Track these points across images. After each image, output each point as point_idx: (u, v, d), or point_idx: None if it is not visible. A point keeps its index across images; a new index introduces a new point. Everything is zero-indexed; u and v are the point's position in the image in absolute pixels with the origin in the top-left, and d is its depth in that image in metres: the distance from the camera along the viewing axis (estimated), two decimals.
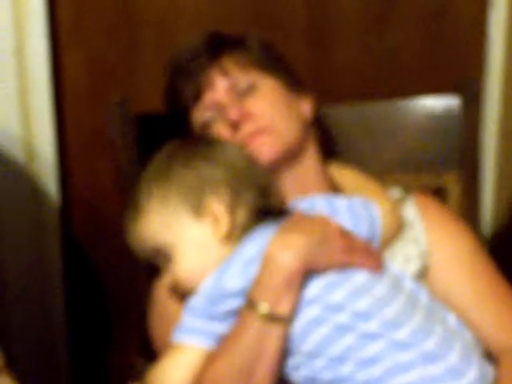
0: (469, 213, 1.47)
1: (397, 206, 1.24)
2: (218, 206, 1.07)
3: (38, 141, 1.76)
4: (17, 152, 1.75)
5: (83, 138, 1.86)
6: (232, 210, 1.07)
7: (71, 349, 1.91)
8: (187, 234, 1.09)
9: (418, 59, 1.94)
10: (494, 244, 1.93)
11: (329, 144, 1.40)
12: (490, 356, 1.13)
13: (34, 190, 1.79)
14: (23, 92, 1.73)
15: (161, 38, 1.82)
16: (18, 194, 1.78)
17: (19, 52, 1.71)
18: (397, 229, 1.22)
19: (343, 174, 1.32)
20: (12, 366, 1.31)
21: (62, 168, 1.83)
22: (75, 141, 1.86)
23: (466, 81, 1.53)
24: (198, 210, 1.08)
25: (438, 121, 1.50)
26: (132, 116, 1.41)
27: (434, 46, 1.93)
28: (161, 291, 1.20)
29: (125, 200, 1.25)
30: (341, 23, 1.90)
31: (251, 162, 1.14)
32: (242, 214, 1.08)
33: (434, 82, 1.86)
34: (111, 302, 1.95)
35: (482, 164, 1.53)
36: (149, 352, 1.24)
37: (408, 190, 1.30)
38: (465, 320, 1.12)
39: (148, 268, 1.24)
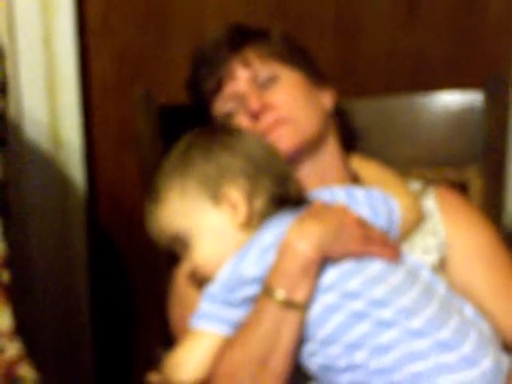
0: (491, 207, 1.46)
1: (417, 199, 1.24)
2: (236, 194, 1.08)
3: (65, 130, 1.78)
4: (44, 142, 1.77)
5: (110, 129, 1.88)
6: (250, 197, 1.09)
7: (96, 337, 1.93)
8: (205, 222, 1.10)
9: (446, 55, 1.93)
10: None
11: (351, 137, 1.41)
12: (508, 348, 1.13)
13: (60, 179, 1.81)
14: (51, 82, 1.75)
15: (189, 30, 1.84)
16: (46, 184, 1.80)
17: (47, 42, 1.73)
18: (416, 222, 1.22)
19: (364, 166, 1.32)
20: (35, 353, 1.34)
21: (89, 158, 1.85)
22: (102, 131, 1.88)
23: (490, 76, 1.52)
24: (216, 197, 1.09)
25: (461, 116, 1.50)
26: (157, 108, 1.42)
27: (463, 42, 1.92)
28: (180, 278, 1.21)
29: (148, 190, 1.26)
30: (369, 18, 1.90)
31: (270, 151, 1.15)
32: (260, 202, 1.09)
33: (462, 78, 1.85)
34: (135, 291, 1.97)
35: (505, 159, 1.52)
36: (169, 340, 1.25)
37: (428, 182, 1.31)
38: (482, 311, 1.12)
39: (169, 256, 1.26)
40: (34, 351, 1.35)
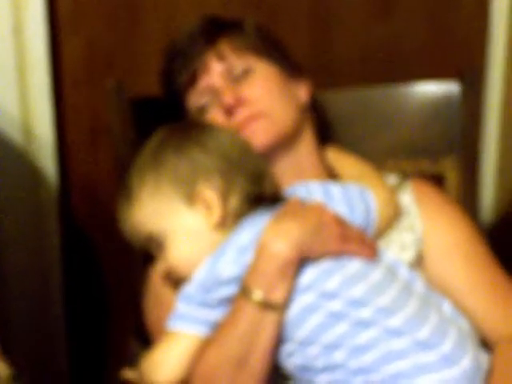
0: (467, 199, 1.46)
1: (393, 194, 1.23)
2: (210, 193, 1.07)
3: (36, 123, 1.76)
4: (16, 134, 1.74)
5: (82, 121, 1.85)
6: (224, 196, 1.07)
7: (70, 331, 1.91)
8: (179, 222, 1.08)
9: (422, 46, 1.93)
10: (494, 231, 1.92)
11: (326, 129, 1.39)
12: (486, 345, 1.13)
13: (32, 171, 1.79)
14: (22, 74, 1.73)
15: (160, 22, 1.81)
16: (17, 176, 1.78)
17: (17, 32, 1.70)
18: (393, 217, 1.21)
19: (340, 159, 1.31)
20: (10, 351, 1.32)
21: (61, 150, 1.83)
22: (74, 123, 1.85)
23: (466, 67, 1.52)
24: (190, 197, 1.07)
25: (437, 107, 1.49)
26: (128, 100, 1.40)
27: (438, 32, 1.92)
28: (155, 278, 1.20)
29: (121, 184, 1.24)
30: (343, 8, 1.89)
31: (244, 148, 1.13)
32: (235, 201, 1.07)
33: (437, 69, 1.85)
34: (110, 284, 1.96)
35: (481, 151, 1.52)
36: (144, 337, 1.24)
37: (405, 176, 1.29)
38: (460, 308, 1.12)
39: (143, 254, 1.24)
40: (7, 347, 1.34)
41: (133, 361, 1.26)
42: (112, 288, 1.94)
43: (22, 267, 1.83)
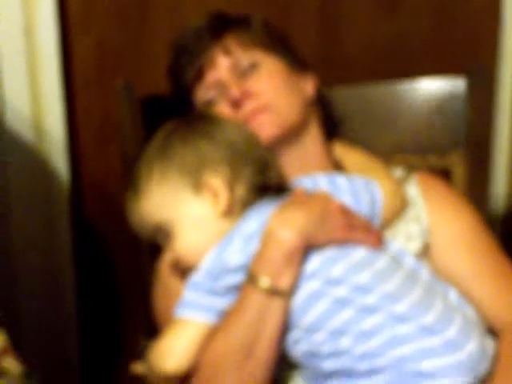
0: (475, 193, 1.46)
1: (400, 185, 1.24)
2: (216, 182, 1.08)
3: (48, 121, 1.77)
4: (27, 132, 1.76)
5: (93, 119, 1.87)
6: (231, 185, 1.08)
7: (81, 327, 1.92)
8: (186, 211, 1.09)
9: (430, 43, 1.93)
10: (506, 222, 1.92)
11: (333, 124, 1.40)
12: (493, 332, 1.13)
13: (44, 169, 1.80)
14: (33, 74, 1.74)
15: (171, 21, 1.83)
16: (29, 175, 1.80)
17: (29, 32, 1.72)
18: (399, 208, 1.22)
19: (347, 153, 1.32)
20: (21, 349, 1.33)
21: (72, 148, 1.84)
22: (85, 122, 1.87)
23: (472, 63, 1.53)
24: (197, 186, 1.08)
25: (444, 102, 1.50)
26: (138, 99, 1.42)
27: (447, 29, 1.92)
28: (163, 269, 1.21)
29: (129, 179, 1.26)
30: (352, 4, 1.89)
31: (250, 138, 1.15)
32: (241, 190, 1.09)
33: (446, 66, 1.85)
34: (121, 280, 1.97)
35: (490, 145, 1.52)
36: (154, 329, 1.25)
37: (411, 169, 1.31)
38: (466, 296, 1.13)
39: (152, 246, 1.25)
40: (18, 343, 1.35)
41: (143, 355, 1.27)
42: (124, 286, 1.95)
43: (34, 266, 1.84)
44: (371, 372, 1.01)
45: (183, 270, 1.12)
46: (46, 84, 1.76)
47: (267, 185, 1.10)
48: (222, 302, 1.05)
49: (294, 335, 1.04)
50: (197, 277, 1.06)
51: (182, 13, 1.82)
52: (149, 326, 1.33)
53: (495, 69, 1.89)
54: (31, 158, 1.79)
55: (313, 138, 1.27)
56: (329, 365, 1.02)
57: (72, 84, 1.83)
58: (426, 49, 1.93)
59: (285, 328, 1.03)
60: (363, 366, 1.00)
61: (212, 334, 1.04)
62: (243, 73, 1.24)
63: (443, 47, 1.93)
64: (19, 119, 1.74)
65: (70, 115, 1.83)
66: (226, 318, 1.04)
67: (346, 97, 1.52)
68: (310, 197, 1.07)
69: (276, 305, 1.01)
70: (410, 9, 1.90)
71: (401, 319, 1.00)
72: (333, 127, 1.39)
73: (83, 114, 1.86)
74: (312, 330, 1.02)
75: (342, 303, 1.01)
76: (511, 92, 1.92)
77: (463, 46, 1.93)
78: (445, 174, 1.46)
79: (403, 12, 1.90)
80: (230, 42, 1.25)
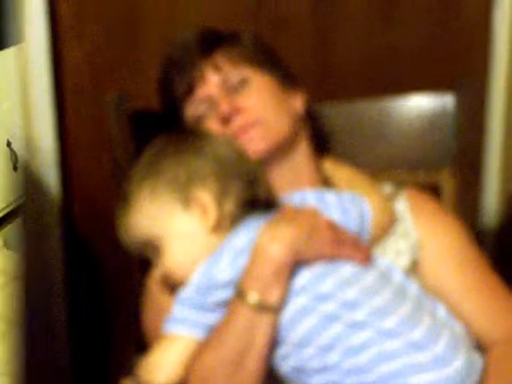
0: (464, 209, 1.47)
1: (389, 201, 1.25)
2: (205, 197, 1.08)
3: (39, 134, 1.78)
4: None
5: (84, 132, 1.88)
6: (220, 200, 1.09)
7: (71, 339, 1.92)
8: (176, 226, 1.10)
9: (423, 57, 1.93)
10: (497, 238, 1.93)
11: (322, 140, 1.41)
12: (481, 349, 1.14)
13: (35, 182, 1.81)
14: (24, 85, 1.75)
15: (162, 34, 1.83)
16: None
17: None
18: (388, 225, 1.22)
19: (336, 169, 1.33)
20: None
21: (63, 161, 1.85)
22: (76, 134, 1.87)
23: (460, 78, 1.53)
24: (186, 201, 1.09)
25: (434, 118, 1.50)
26: (129, 112, 1.42)
27: (438, 43, 1.93)
28: (152, 284, 1.21)
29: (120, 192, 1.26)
30: (345, 19, 1.90)
31: (239, 154, 1.15)
32: (230, 205, 1.09)
33: (438, 80, 1.85)
34: (112, 296, 1.97)
35: (479, 161, 1.53)
36: (145, 344, 1.25)
37: (400, 185, 1.31)
38: (455, 312, 1.13)
39: (142, 261, 1.25)
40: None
41: (134, 370, 1.27)
42: (114, 300, 1.95)
43: (25, 278, 1.84)
44: None
45: (173, 286, 1.12)
46: (38, 96, 1.76)
47: (256, 200, 1.11)
48: (211, 318, 1.05)
49: (282, 350, 1.04)
50: (186, 292, 1.06)
51: (172, 26, 1.82)
52: (139, 340, 1.33)
53: (486, 84, 1.89)
54: (23, 171, 1.78)
55: (302, 153, 1.28)
56: (317, 380, 1.03)
57: (63, 96, 1.83)
58: (418, 62, 1.94)
59: (273, 343, 1.04)
60: (351, 381, 1.01)
61: (201, 349, 1.04)
62: (233, 89, 1.24)
63: (436, 61, 1.93)
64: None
65: (61, 127, 1.83)
66: (214, 333, 1.04)
67: (336, 112, 1.53)
68: (299, 212, 1.08)
69: (265, 320, 1.01)
70: (402, 23, 1.90)
71: (389, 335, 1.00)
72: (322, 143, 1.40)
73: (74, 125, 1.87)
74: (300, 345, 1.03)
75: (330, 319, 1.01)
76: (502, 107, 1.92)
77: (455, 60, 1.93)
78: (434, 190, 1.46)
79: (396, 26, 1.90)
80: (220, 58, 1.26)
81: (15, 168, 2.92)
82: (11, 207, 3.01)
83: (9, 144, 2.83)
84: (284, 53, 1.37)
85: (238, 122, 1.21)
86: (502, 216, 1.94)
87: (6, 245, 2.92)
